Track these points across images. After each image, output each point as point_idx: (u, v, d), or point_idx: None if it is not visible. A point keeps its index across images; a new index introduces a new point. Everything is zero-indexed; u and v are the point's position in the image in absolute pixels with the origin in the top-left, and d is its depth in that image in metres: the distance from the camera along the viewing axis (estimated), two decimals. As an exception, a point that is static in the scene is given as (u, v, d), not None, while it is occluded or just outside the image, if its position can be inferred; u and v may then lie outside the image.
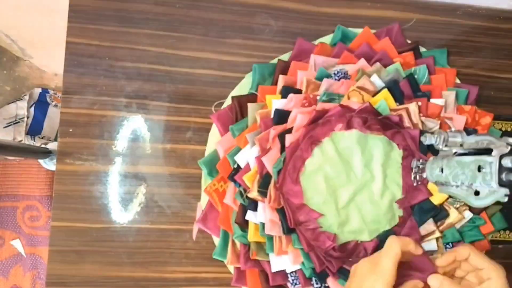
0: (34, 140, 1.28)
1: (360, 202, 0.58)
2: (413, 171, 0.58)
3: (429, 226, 0.59)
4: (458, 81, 0.66)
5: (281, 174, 0.57)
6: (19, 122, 1.30)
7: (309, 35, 0.65)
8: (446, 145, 0.48)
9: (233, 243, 0.60)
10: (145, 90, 0.62)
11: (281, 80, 0.61)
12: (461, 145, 0.48)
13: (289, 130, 0.58)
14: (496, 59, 0.69)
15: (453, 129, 0.60)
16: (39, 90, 1.36)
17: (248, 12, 0.64)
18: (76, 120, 0.61)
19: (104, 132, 0.61)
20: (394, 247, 0.44)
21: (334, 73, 0.62)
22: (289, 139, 0.58)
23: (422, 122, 0.60)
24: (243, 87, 0.63)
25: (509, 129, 0.67)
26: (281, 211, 0.57)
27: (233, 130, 0.60)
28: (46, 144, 1.23)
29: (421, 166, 0.57)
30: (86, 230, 0.60)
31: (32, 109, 1.33)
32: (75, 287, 0.60)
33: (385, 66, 0.63)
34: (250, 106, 0.60)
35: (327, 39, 0.65)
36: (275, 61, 0.64)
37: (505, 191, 0.42)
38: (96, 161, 0.61)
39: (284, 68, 0.62)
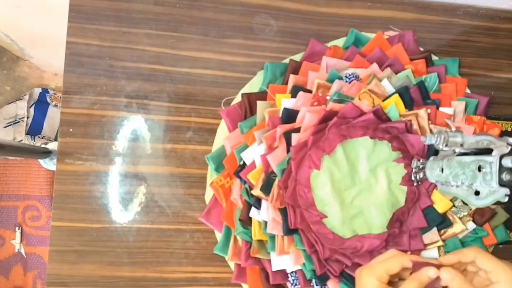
0: (34, 140, 1.28)
1: (365, 206, 0.58)
2: (413, 171, 0.58)
3: (432, 235, 0.59)
4: (468, 91, 0.66)
5: (285, 174, 0.57)
6: (19, 122, 1.30)
7: (309, 35, 0.65)
8: (446, 145, 0.48)
9: (235, 240, 0.60)
10: (145, 90, 0.62)
11: (292, 79, 0.61)
12: (461, 145, 0.48)
13: (297, 130, 0.59)
14: (496, 59, 0.69)
15: (453, 129, 0.60)
16: (39, 90, 1.36)
17: (248, 12, 0.64)
18: (76, 120, 0.61)
19: (104, 132, 0.61)
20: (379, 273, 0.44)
21: (346, 76, 0.62)
22: (295, 137, 0.58)
23: (430, 129, 0.60)
24: (253, 85, 0.63)
25: (509, 129, 0.67)
26: (283, 211, 0.57)
27: (241, 127, 0.60)
28: (46, 144, 1.23)
29: (421, 166, 0.57)
30: (86, 230, 0.60)
31: (32, 109, 1.33)
32: (75, 287, 0.60)
33: (396, 72, 0.63)
34: (260, 104, 0.61)
35: (339, 42, 0.65)
36: (287, 61, 0.64)
37: (506, 191, 0.42)
38: (96, 161, 0.61)
39: (295, 68, 0.63)
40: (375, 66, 0.62)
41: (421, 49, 0.66)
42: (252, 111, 0.61)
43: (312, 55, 0.64)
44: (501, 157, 0.42)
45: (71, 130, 0.61)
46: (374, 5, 0.67)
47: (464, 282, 0.43)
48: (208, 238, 0.61)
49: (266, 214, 0.57)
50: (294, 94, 0.60)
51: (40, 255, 1.23)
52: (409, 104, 0.61)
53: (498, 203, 0.44)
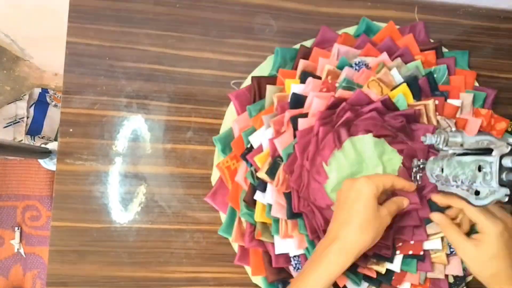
0: (34, 140, 1.28)
1: None
2: (413, 170, 0.58)
3: (436, 226, 0.59)
4: (477, 84, 0.66)
5: (290, 158, 0.57)
6: (19, 122, 1.30)
7: (310, 35, 0.65)
8: (446, 145, 0.48)
9: (240, 221, 0.60)
10: (145, 90, 0.62)
11: (301, 64, 0.61)
12: (462, 145, 0.48)
13: (305, 115, 0.59)
14: (496, 59, 0.69)
15: (453, 129, 0.60)
16: (39, 90, 1.36)
17: (248, 12, 0.64)
18: (76, 120, 0.61)
19: (105, 132, 0.61)
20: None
21: (355, 63, 0.62)
22: (302, 122, 0.58)
23: (437, 121, 0.60)
24: (263, 69, 0.64)
25: (509, 129, 0.67)
26: (287, 195, 0.57)
27: (250, 110, 0.61)
28: (46, 144, 1.23)
29: (421, 166, 0.57)
30: (86, 230, 0.60)
31: (32, 109, 1.33)
32: (75, 287, 0.60)
33: (406, 62, 0.63)
34: (269, 88, 0.61)
35: (350, 30, 0.65)
36: (297, 46, 0.64)
37: (506, 191, 0.42)
38: (96, 161, 0.61)
39: (306, 54, 0.63)
40: (385, 55, 0.62)
41: (432, 40, 0.66)
42: (261, 94, 0.61)
43: (323, 42, 0.64)
44: (501, 157, 0.42)
45: (71, 130, 0.61)
46: (375, 5, 0.67)
47: (451, 222, 0.53)
48: (208, 238, 0.61)
49: (270, 197, 0.57)
50: (303, 80, 0.61)
51: (39, 255, 1.23)
52: (417, 94, 0.61)
53: (498, 203, 0.44)
